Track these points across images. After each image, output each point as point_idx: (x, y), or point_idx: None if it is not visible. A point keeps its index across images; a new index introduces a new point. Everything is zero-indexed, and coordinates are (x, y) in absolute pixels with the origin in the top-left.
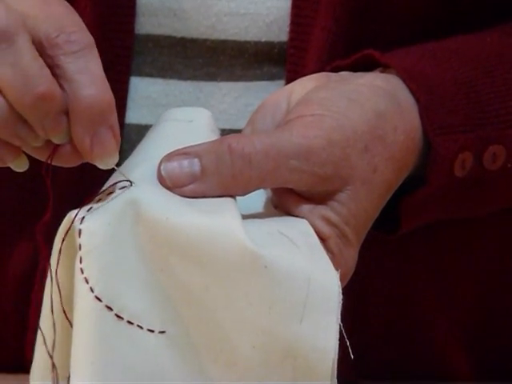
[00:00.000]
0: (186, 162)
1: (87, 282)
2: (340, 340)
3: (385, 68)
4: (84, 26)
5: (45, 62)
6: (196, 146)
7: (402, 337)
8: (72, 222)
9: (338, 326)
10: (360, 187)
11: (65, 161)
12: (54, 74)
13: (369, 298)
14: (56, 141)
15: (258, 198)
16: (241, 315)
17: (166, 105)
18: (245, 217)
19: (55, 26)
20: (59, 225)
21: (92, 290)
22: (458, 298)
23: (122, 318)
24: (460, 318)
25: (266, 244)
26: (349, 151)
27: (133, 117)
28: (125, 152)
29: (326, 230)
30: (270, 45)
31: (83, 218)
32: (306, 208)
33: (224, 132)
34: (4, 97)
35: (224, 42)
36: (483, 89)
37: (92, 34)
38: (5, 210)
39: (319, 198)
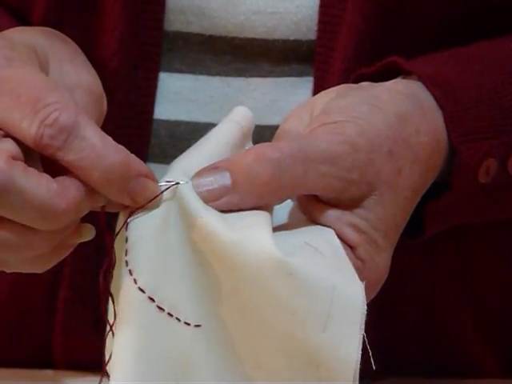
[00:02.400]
0: (216, 176)
1: (131, 273)
2: (364, 339)
3: (407, 75)
4: (60, 91)
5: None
6: (225, 159)
7: (429, 334)
8: (127, 218)
9: (362, 337)
10: (386, 191)
11: (117, 209)
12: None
13: (395, 296)
14: (100, 205)
15: (286, 209)
16: (266, 319)
17: (195, 100)
18: (273, 229)
19: (35, 122)
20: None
21: (135, 282)
22: (483, 297)
23: (162, 310)
24: (486, 316)
25: (292, 253)
26: (373, 156)
27: (162, 112)
28: (152, 147)
29: (354, 237)
30: (298, 43)
31: (132, 212)
32: (333, 216)
33: None
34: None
35: (252, 40)
36: (507, 94)
37: (121, 30)
38: None
39: (346, 205)
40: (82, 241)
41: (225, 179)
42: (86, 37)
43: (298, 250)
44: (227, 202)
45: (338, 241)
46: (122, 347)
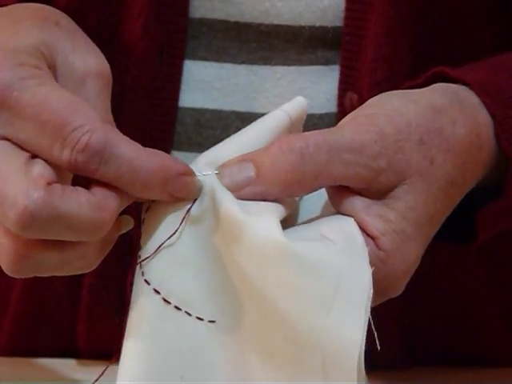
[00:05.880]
0: (241, 167)
1: (141, 267)
2: (388, 330)
3: (453, 83)
4: (84, 110)
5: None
6: (251, 152)
7: (453, 324)
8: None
9: (367, 320)
10: (417, 180)
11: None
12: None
13: (420, 287)
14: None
15: (319, 202)
16: (274, 306)
17: (220, 88)
18: (302, 222)
19: (66, 149)
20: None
21: (143, 274)
22: (509, 288)
23: (169, 303)
24: (511, 307)
25: (300, 239)
26: (402, 144)
27: (187, 100)
28: (178, 135)
29: (379, 226)
30: (324, 30)
31: (149, 207)
32: (359, 206)
33: None
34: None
35: (278, 26)
36: None
37: (146, 17)
38: None
39: (376, 196)
40: (122, 232)
41: (249, 170)
42: (111, 23)
43: (307, 238)
44: (251, 192)
45: (357, 231)
46: (129, 337)
